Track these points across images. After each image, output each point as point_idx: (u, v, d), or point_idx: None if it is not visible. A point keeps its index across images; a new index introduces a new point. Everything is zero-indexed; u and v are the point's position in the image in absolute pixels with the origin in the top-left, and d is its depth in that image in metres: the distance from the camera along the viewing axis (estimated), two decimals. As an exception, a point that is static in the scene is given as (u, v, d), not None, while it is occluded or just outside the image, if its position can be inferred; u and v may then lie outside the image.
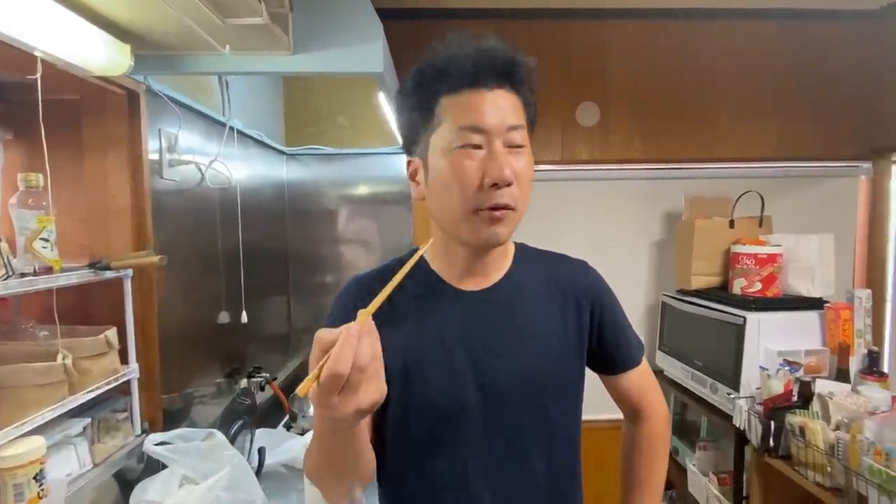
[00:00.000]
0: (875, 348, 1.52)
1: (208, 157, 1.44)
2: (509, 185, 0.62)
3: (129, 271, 1.06)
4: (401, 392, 0.66)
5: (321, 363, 0.44)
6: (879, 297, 1.99)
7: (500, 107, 0.63)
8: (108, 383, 0.97)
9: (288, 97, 2.22)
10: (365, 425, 0.64)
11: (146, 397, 1.15)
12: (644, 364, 0.82)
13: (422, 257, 0.72)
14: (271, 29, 0.90)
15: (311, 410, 1.60)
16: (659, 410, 0.84)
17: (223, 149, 1.49)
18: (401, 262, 0.73)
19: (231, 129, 1.55)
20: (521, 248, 0.78)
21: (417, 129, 0.67)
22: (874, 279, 2.07)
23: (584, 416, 0.77)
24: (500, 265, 0.74)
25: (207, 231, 1.52)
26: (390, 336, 0.48)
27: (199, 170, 1.42)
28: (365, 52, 1.01)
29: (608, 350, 0.77)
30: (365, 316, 0.47)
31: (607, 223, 2.13)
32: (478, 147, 0.63)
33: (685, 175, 2.11)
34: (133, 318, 1.08)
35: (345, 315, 0.68)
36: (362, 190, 2.25)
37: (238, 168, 1.62)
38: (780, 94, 2.06)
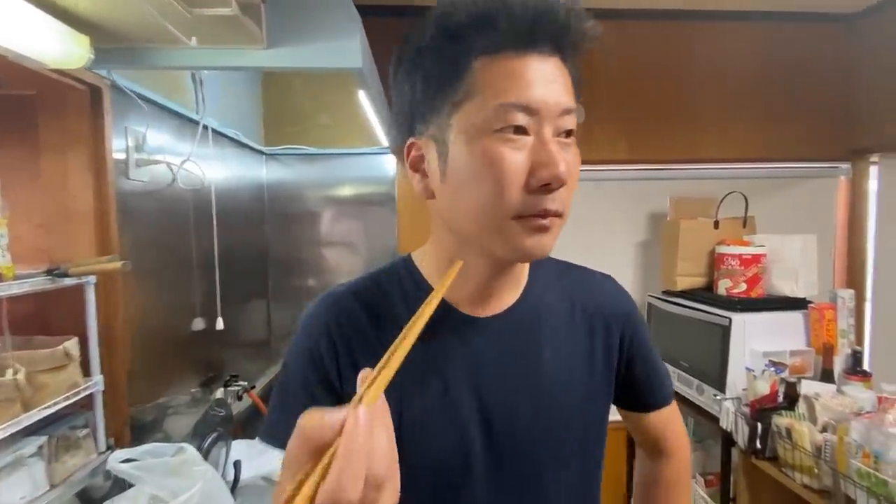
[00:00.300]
0: (859, 348, 1.53)
1: (180, 157, 1.38)
2: (562, 185, 0.47)
3: (92, 278, 1.00)
4: None
5: (316, 477, 0.27)
6: (860, 297, 2.01)
7: (554, 81, 0.48)
8: (66, 398, 0.91)
9: (267, 96, 2.16)
10: None
11: (111, 411, 1.08)
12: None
13: (415, 268, 0.59)
14: (242, 21, 0.85)
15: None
16: (683, 444, 0.72)
17: (196, 148, 1.42)
18: (390, 274, 0.59)
19: (205, 127, 1.49)
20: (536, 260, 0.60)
21: (432, 100, 0.49)
22: (854, 279, 2.09)
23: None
24: (517, 283, 0.59)
25: (180, 234, 1.45)
26: None
27: (171, 170, 1.36)
28: (343, 46, 0.97)
29: (636, 387, 0.65)
30: (377, 392, 0.31)
31: (592, 224, 2.12)
32: (522, 132, 0.47)
33: (670, 176, 2.11)
34: (97, 327, 1.02)
35: (316, 340, 0.54)
36: (346, 191, 2.20)
37: (213, 168, 1.56)
38: (762, 95, 2.07)
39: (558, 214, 0.49)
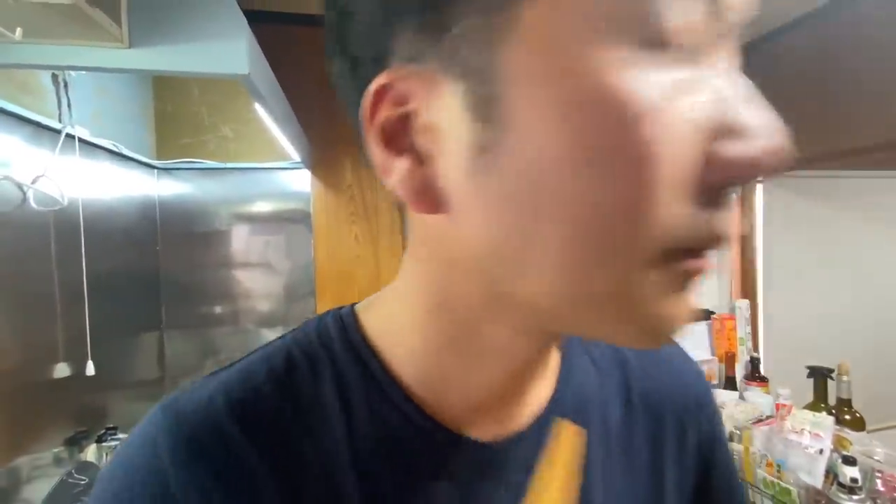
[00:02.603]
0: (756, 354, 1.63)
1: (35, 172, 1.16)
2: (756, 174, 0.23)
3: None
4: None
5: None
6: (754, 306, 2.18)
7: None
8: None
9: (160, 104, 1.94)
10: None
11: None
12: None
13: (370, 352, 0.32)
14: (89, 14, 0.70)
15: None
16: None
17: (57, 162, 1.21)
18: (312, 358, 0.32)
19: (71, 137, 1.27)
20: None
21: None
22: (747, 289, 2.27)
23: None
24: (549, 370, 0.34)
25: (35, 264, 1.22)
26: None
27: (21, 188, 1.14)
28: (226, 49, 0.85)
29: None
30: None
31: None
32: (678, 54, 0.21)
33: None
34: None
35: None
36: (255, 208, 2.02)
37: (83, 185, 1.34)
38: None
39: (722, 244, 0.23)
